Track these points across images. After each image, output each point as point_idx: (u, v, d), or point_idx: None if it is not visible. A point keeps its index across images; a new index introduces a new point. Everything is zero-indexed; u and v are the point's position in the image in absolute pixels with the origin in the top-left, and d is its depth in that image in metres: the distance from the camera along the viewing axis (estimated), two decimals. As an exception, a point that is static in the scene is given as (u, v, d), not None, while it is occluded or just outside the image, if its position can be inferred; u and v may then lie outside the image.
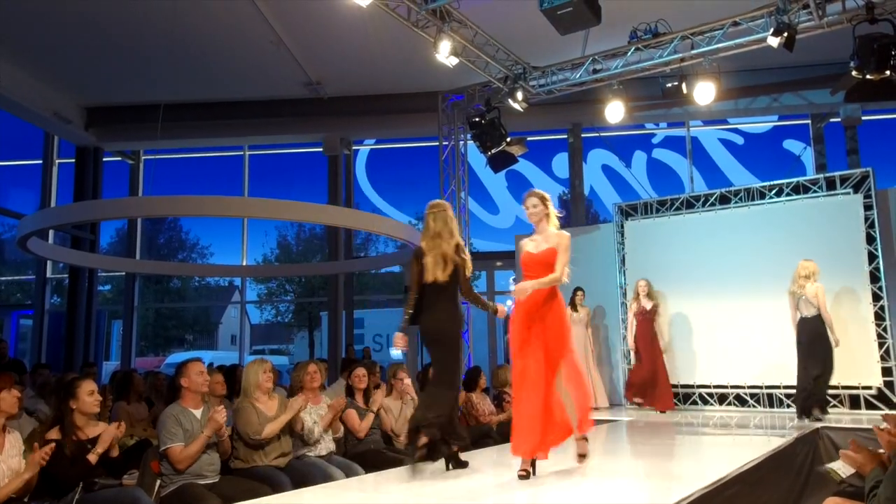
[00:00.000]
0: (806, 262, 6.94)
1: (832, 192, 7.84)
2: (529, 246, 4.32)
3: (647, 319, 8.19)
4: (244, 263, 13.39)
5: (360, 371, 5.51)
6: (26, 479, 3.35)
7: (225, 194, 12.32)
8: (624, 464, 5.11)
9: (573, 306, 8.82)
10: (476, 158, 10.63)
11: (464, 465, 4.32)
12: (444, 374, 4.24)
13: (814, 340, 6.75)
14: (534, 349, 4.02)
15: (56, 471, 3.50)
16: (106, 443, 3.66)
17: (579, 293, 8.82)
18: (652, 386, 8.03)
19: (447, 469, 4.25)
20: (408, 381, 5.81)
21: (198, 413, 4.07)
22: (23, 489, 3.41)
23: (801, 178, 8.20)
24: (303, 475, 4.33)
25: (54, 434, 3.60)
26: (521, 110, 8.82)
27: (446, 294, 4.25)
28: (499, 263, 12.69)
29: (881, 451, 2.81)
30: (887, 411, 7.10)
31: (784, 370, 7.80)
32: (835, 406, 7.47)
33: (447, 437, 4.14)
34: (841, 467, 2.98)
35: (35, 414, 5.51)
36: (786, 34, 6.89)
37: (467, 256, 4.35)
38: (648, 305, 8.23)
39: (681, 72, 8.11)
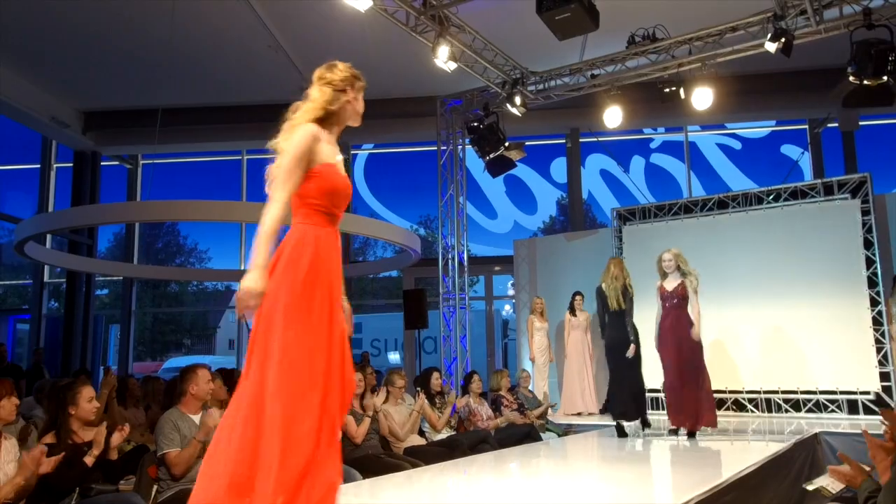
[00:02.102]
0: None
1: (830, 197, 7.87)
2: None
3: (672, 307, 6.09)
4: (242, 268, 13.36)
5: (356, 376, 5.49)
6: (18, 483, 3.33)
7: (223, 199, 12.32)
8: (620, 469, 5.10)
9: (572, 311, 8.82)
10: (474, 163, 10.65)
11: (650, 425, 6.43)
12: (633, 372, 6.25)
13: None
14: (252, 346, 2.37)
15: (52, 475, 3.49)
16: (101, 444, 3.66)
17: (578, 297, 8.82)
18: (693, 399, 6.04)
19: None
20: (401, 383, 5.82)
21: (196, 419, 4.05)
22: (20, 493, 3.39)
23: (798, 183, 8.22)
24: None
25: (49, 439, 3.59)
26: (520, 115, 8.82)
27: (621, 318, 6.20)
28: (497, 268, 12.70)
29: (868, 468, 2.78)
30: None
31: (782, 375, 7.82)
32: (833, 411, 7.48)
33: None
34: (830, 483, 2.94)
35: (31, 419, 5.49)
36: (783, 40, 6.91)
37: (632, 291, 6.30)
38: (671, 285, 6.10)
39: (679, 77, 8.13)
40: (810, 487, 3.06)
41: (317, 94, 2.57)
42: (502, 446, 5.88)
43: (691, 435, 6.07)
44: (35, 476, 3.41)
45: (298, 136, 2.40)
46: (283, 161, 2.36)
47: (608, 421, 7.81)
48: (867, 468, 2.74)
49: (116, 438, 3.79)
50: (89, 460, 3.60)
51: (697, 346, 6.09)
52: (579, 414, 8.38)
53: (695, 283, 6.09)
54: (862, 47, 6.65)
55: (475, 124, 9.03)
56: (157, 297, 16.44)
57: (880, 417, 3.17)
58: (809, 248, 7.81)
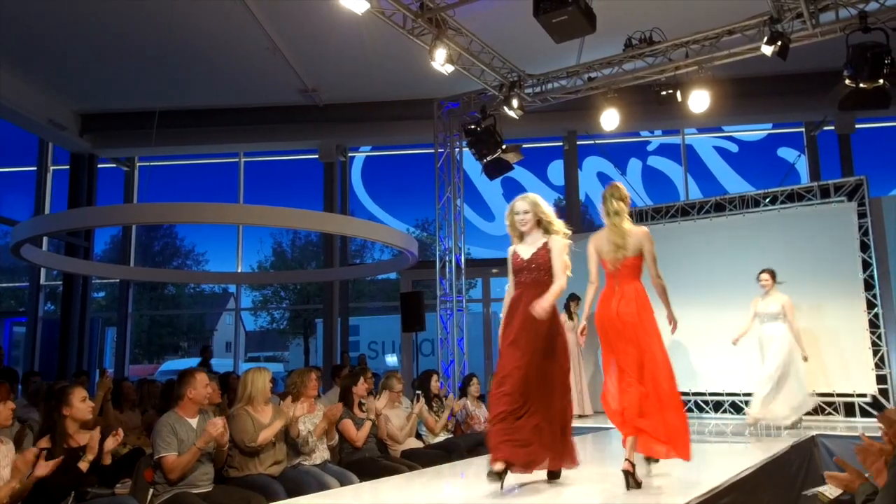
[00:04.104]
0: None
1: (826, 200, 7.88)
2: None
3: (530, 283, 3.93)
4: (239, 270, 13.36)
5: (363, 383, 5.45)
6: (13, 487, 3.32)
7: (220, 201, 12.30)
8: (618, 471, 5.09)
9: (569, 314, 8.83)
10: (471, 165, 10.64)
11: None
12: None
13: None
14: None
15: (48, 479, 3.47)
16: (94, 449, 3.64)
17: (575, 302, 8.84)
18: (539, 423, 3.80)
19: None
20: (398, 386, 5.81)
21: (193, 422, 4.04)
22: (15, 497, 3.38)
23: (795, 186, 8.23)
24: (297, 484, 4.31)
25: (44, 443, 3.58)
26: (517, 118, 8.83)
27: None
28: (494, 270, 12.69)
29: (867, 474, 2.78)
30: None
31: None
32: (830, 414, 7.49)
33: None
34: (828, 489, 2.94)
35: (27, 422, 5.47)
36: (780, 43, 6.93)
37: None
38: (528, 250, 3.96)
39: (675, 80, 8.14)
40: (808, 493, 3.07)
41: (622, 206, 4.26)
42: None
43: (552, 475, 4.06)
44: (32, 479, 3.40)
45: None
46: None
47: (597, 424, 7.82)
48: (865, 473, 2.74)
49: (110, 443, 3.76)
50: (84, 465, 3.58)
51: (560, 345, 3.98)
52: (577, 416, 8.39)
53: (565, 246, 3.96)
54: (858, 50, 6.67)
55: (472, 127, 9.03)
56: (153, 299, 16.41)
57: (877, 422, 3.16)
58: (806, 250, 7.82)
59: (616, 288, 4.11)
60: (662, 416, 3.91)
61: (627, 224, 4.16)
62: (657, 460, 4.20)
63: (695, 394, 8.27)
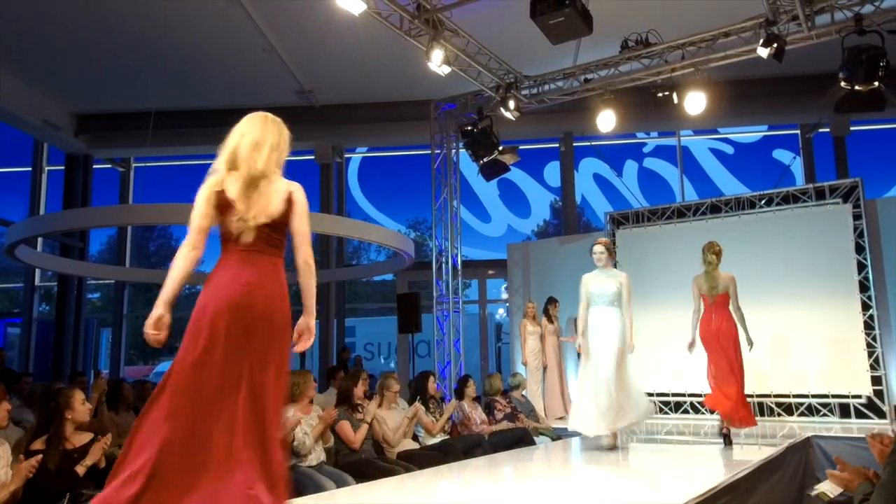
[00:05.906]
0: None
1: (821, 202, 7.90)
2: None
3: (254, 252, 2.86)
4: (235, 271, 13.31)
5: (361, 385, 5.47)
6: (13, 490, 3.31)
7: (216, 202, 12.25)
8: (613, 473, 5.09)
9: (548, 318, 8.83)
10: (468, 167, 10.64)
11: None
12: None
13: None
14: None
15: (42, 481, 3.45)
16: (96, 456, 3.62)
17: (557, 304, 8.86)
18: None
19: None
20: (395, 387, 5.80)
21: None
22: (7, 500, 3.37)
23: (790, 188, 8.25)
24: (293, 485, 4.29)
25: (40, 444, 3.56)
26: (513, 119, 8.84)
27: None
28: (490, 272, 12.70)
29: (866, 469, 2.80)
30: (877, 420, 7.14)
31: (774, 379, 7.84)
32: (825, 415, 7.50)
33: None
34: (829, 488, 2.96)
35: (22, 423, 5.45)
36: (775, 45, 6.95)
37: None
38: None
39: (672, 81, 8.16)
40: (812, 493, 3.08)
41: (714, 259, 6.42)
42: (496, 450, 5.87)
43: None
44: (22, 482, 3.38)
45: None
46: None
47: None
48: (864, 471, 2.75)
49: (98, 450, 3.71)
50: (81, 470, 3.57)
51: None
52: (561, 418, 8.42)
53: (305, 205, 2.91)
54: (853, 53, 6.69)
55: (469, 128, 9.02)
56: (149, 300, 16.34)
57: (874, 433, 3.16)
58: (801, 252, 7.84)
59: (714, 315, 6.10)
60: (738, 399, 5.96)
61: (717, 271, 6.17)
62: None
63: (690, 395, 8.28)
